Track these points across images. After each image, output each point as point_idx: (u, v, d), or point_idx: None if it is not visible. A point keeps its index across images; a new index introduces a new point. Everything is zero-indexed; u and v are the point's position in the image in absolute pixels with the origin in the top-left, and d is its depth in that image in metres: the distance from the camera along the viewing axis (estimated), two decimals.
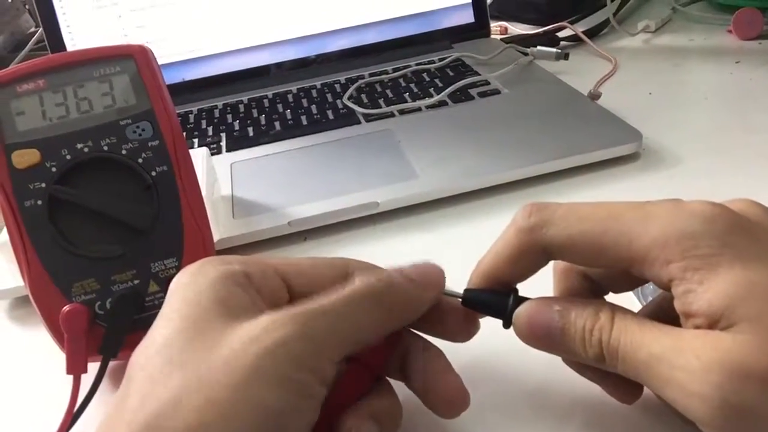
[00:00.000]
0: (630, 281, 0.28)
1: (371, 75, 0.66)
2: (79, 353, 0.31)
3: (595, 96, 0.57)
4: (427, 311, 0.26)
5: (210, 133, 0.60)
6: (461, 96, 0.58)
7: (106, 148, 0.33)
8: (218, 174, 0.49)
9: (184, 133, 0.53)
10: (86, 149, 0.33)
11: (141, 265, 0.33)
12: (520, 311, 0.26)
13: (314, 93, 0.64)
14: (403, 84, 0.64)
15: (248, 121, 0.60)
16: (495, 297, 0.27)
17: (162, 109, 0.34)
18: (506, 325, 0.27)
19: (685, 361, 0.21)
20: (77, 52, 0.35)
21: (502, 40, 0.75)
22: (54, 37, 0.64)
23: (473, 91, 0.59)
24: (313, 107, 0.61)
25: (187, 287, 0.24)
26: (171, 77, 0.66)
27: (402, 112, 0.57)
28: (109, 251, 0.33)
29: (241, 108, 0.64)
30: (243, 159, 0.54)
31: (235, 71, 0.68)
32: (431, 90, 0.61)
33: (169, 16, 0.66)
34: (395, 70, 0.66)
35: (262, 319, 0.22)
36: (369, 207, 0.45)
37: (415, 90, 0.62)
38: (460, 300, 0.27)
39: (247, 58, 0.68)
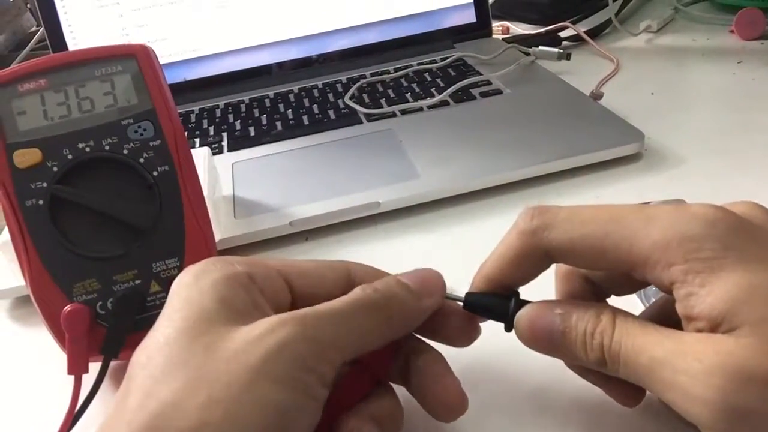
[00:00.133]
0: (632, 284, 0.28)
1: (373, 75, 0.66)
2: (81, 353, 0.31)
3: (597, 96, 0.57)
4: (429, 316, 0.26)
5: (211, 132, 0.60)
6: (463, 96, 0.58)
7: (107, 147, 0.33)
8: (220, 174, 0.49)
9: (186, 133, 0.53)
10: (88, 149, 0.33)
11: (142, 265, 0.33)
12: (522, 314, 0.26)
13: (316, 93, 0.64)
14: (405, 84, 0.63)
15: (250, 121, 0.60)
16: (496, 300, 0.27)
17: (163, 109, 0.34)
18: (508, 329, 0.27)
19: (687, 365, 0.21)
20: (79, 51, 0.35)
21: (503, 39, 0.75)
22: (55, 37, 0.64)
23: (475, 91, 0.59)
24: (315, 107, 0.61)
25: (190, 287, 0.24)
26: (172, 77, 0.66)
27: (404, 112, 0.57)
28: (110, 251, 0.33)
29: (243, 108, 0.64)
30: (244, 159, 0.53)
31: (236, 71, 0.68)
32: (433, 90, 0.60)
33: (170, 15, 0.66)
34: (397, 69, 0.66)
35: (265, 320, 0.22)
36: (370, 207, 0.45)
37: (417, 90, 0.61)
38: (462, 304, 0.27)
39: (248, 57, 0.68)
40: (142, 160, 0.33)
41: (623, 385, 0.25)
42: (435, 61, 0.67)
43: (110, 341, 0.32)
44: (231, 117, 0.62)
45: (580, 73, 0.64)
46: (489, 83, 0.60)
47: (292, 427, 0.21)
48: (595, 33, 0.74)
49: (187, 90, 0.67)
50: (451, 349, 0.28)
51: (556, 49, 0.66)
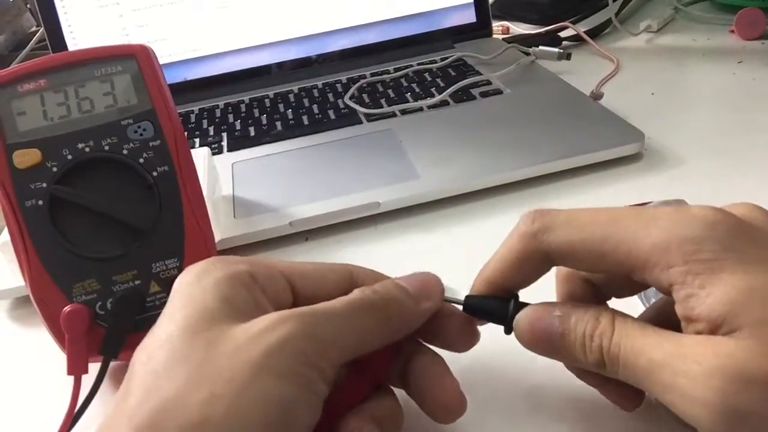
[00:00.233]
0: (632, 286, 0.28)
1: (373, 75, 0.66)
2: (80, 354, 0.31)
3: (597, 96, 0.57)
4: (428, 320, 0.26)
5: (211, 132, 0.60)
6: (463, 96, 0.58)
7: (107, 148, 0.33)
8: (219, 174, 0.49)
9: (186, 133, 0.53)
10: (87, 149, 0.33)
11: (142, 265, 0.33)
12: (521, 316, 0.26)
13: (315, 93, 0.64)
14: (405, 84, 0.63)
15: (249, 121, 0.60)
16: (496, 303, 0.27)
17: (163, 109, 0.34)
18: (507, 331, 0.27)
19: (686, 367, 0.21)
20: (78, 51, 0.35)
21: (504, 39, 0.75)
22: (55, 37, 0.64)
23: (475, 91, 0.59)
24: (315, 107, 0.61)
25: (192, 286, 0.24)
26: (172, 77, 0.66)
27: (403, 112, 0.57)
28: (110, 251, 0.33)
29: (243, 108, 0.64)
30: (244, 159, 0.53)
31: (236, 71, 0.68)
32: (433, 90, 0.60)
33: (170, 15, 0.66)
34: (397, 69, 0.66)
35: (266, 317, 0.23)
36: (370, 207, 0.45)
37: (417, 90, 0.61)
38: (461, 307, 0.27)
39: (248, 57, 0.68)
40: (141, 161, 0.33)
41: (622, 388, 0.25)
42: (435, 61, 0.67)
43: (110, 342, 0.32)
44: (231, 117, 0.62)
45: (580, 73, 0.64)
46: (489, 83, 0.60)
47: (294, 422, 0.21)
48: (595, 33, 0.74)
49: (187, 90, 0.67)
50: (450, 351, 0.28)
51: (556, 49, 0.66)
